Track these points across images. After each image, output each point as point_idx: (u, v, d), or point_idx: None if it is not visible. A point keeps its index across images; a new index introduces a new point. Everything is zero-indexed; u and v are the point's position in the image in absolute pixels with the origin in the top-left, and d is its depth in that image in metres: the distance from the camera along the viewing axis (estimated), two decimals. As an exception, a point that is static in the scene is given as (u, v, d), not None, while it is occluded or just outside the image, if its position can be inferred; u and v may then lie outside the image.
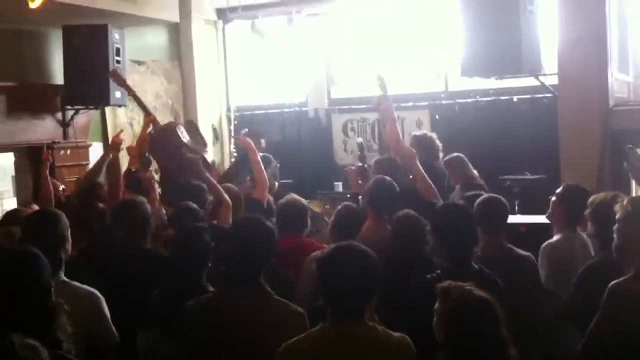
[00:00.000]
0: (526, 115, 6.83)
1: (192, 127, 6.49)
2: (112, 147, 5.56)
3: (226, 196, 4.59)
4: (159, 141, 5.59)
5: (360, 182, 5.00)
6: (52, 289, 2.28)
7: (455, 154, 5.70)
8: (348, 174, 5.35)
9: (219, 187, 4.69)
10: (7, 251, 2.54)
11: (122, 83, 6.21)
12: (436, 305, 2.45)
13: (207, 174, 4.87)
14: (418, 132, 5.86)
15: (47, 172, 5.42)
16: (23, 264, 2.27)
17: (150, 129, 5.83)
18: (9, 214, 4.56)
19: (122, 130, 6.11)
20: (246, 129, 7.28)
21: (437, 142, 5.52)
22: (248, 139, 5.31)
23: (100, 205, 4.47)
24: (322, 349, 2.43)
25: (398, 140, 4.96)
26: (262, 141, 6.31)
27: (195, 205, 4.26)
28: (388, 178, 4.38)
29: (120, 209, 4.05)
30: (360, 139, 6.19)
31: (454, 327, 2.35)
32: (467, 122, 7.11)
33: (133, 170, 5.55)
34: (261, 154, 6.42)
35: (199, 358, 2.88)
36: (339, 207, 4.31)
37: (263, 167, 5.07)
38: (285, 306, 2.84)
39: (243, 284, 2.86)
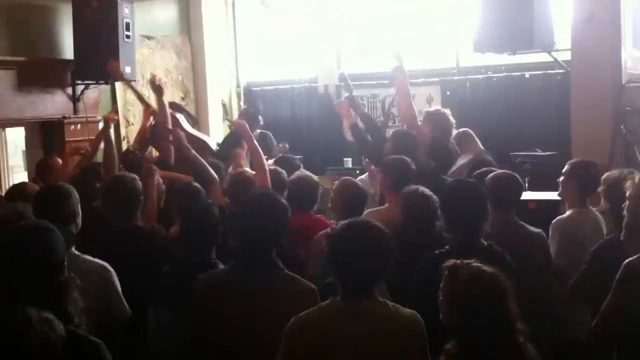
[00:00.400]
0: (538, 91, 6.77)
1: (176, 108, 6.42)
2: (105, 125, 5.60)
3: (214, 173, 4.60)
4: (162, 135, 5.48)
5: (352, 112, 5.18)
6: (65, 263, 2.31)
7: (462, 129, 5.66)
8: (339, 107, 5.49)
9: (206, 164, 4.69)
10: (23, 226, 2.57)
11: (120, 77, 6.20)
12: (442, 284, 2.43)
13: (193, 152, 4.83)
14: (431, 109, 5.70)
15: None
16: (38, 239, 2.29)
17: (150, 120, 5.81)
18: (16, 187, 4.55)
19: (116, 107, 6.07)
20: (243, 107, 7.29)
21: (451, 118, 5.34)
22: (244, 122, 5.13)
23: (99, 185, 4.40)
24: (332, 323, 2.43)
25: (414, 116, 4.97)
26: (260, 118, 6.33)
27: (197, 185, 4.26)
28: (406, 159, 4.32)
29: (109, 184, 3.96)
30: (341, 71, 6.12)
31: (464, 305, 2.33)
32: (479, 99, 7.06)
33: (131, 150, 5.57)
34: (259, 131, 6.46)
35: (209, 333, 2.89)
36: (340, 184, 4.21)
37: (260, 151, 4.78)
38: (296, 281, 2.85)
39: (255, 260, 2.86)
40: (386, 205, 4.29)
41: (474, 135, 5.65)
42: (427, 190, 3.72)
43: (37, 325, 1.74)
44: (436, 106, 6.79)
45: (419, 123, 5.20)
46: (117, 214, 3.70)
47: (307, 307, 2.55)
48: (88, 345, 2.17)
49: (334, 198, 4.11)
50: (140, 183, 3.88)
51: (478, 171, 4.22)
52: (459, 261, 2.44)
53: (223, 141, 5.97)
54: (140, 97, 6.14)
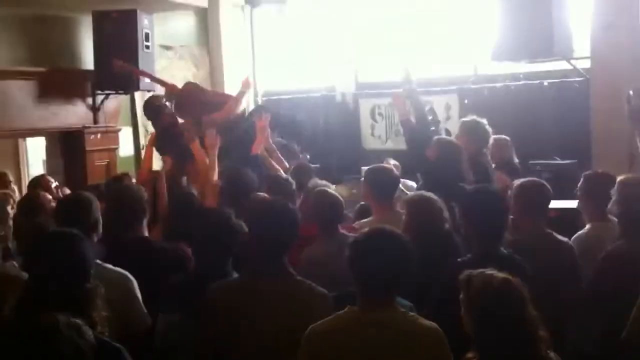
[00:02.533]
0: (556, 99, 6.73)
1: None
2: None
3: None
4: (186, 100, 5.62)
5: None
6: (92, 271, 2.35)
7: (499, 137, 5.61)
8: (395, 98, 5.08)
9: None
10: (54, 233, 2.60)
11: (128, 68, 6.27)
12: (461, 296, 2.43)
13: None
14: (467, 118, 5.35)
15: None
16: (69, 245, 2.34)
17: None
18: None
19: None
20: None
21: (487, 128, 5.09)
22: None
23: None
24: (350, 331, 2.42)
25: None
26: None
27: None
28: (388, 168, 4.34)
29: (113, 196, 3.94)
30: (405, 63, 5.77)
31: (478, 312, 2.32)
32: (497, 107, 7.03)
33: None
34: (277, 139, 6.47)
35: (222, 341, 2.89)
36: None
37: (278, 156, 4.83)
38: (309, 287, 2.84)
39: (267, 267, 2.87)
40: (372, 217, 4.17)
41: (510, 144, 5.61)
42: (431, 194, 3.70)
43: (66, 331, 1.76)
44: (455, 115, 6.80)
45: None
46: (122, 224, 3.66)
47: (320, 313, 2.55)
48: (112, 350, 2.19)
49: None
50: (144, 193, 3.83)
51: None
52: (474, 272, 2.43)
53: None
54: (157, 80, 6.22)
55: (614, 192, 3.65)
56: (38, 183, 5.23)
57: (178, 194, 4.50)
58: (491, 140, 5.14)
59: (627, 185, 3.61)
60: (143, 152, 7.47)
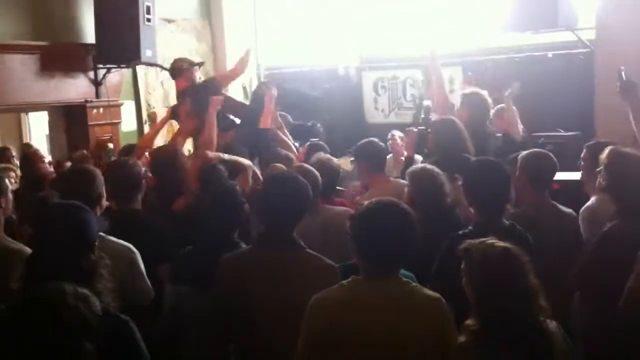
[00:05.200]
0: (560, 71, 6.69)
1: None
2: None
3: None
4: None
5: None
6: (97, 243, 2.37)
7: (501, 106, 5.58)
8: (409, 135, 5.33)
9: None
10: (58, 205, 2.62)
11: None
12: (462, 266, 2.44)
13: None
14: (467, 90, 5.44)
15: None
16: (73, 217, 2.36)
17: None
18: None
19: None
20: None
21: (489, 100, 5.14)
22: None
23: None
24: (353, 301, 2.44)
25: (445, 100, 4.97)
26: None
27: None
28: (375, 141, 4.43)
29: (107, 170, 3.93)
30: (427, 102, 6.00)
31: (479, 280, 2.34)
32: (500, 79, 6.99)
33: None
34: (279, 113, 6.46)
35: (232, 312, 2.91)
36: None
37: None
38: (317, 259, 2.86)
39: (277, 239, 2.88)
40: (369, 191, 4.21)
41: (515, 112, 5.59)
42: (433, 167, 3.71)
43: (73, 301, 1.78)
44: (458, 88, 6.76)
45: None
46: (117, 197, 3.68)
47: (328, 285, 2.56)
48: (118, 321, 2.22)
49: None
50: (137, 168, 3.84)
51: (511, 156, 4.18)
52: (474, 241, 2.44)
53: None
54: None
55: (602, 166, 3.51)
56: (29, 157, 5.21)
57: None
58: (493, 111, 5.13)
59: (618, 162, 3.42)
60: (147, 126, 7.48)
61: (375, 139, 4.51)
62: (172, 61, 6.09)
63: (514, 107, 5.54)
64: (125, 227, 3.36)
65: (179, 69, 5.90)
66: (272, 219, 2.92)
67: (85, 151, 5.71)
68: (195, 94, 5.57)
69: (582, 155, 4.10)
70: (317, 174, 3.80)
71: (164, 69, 6.25)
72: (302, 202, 2.92)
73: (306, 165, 3.96)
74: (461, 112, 4.96)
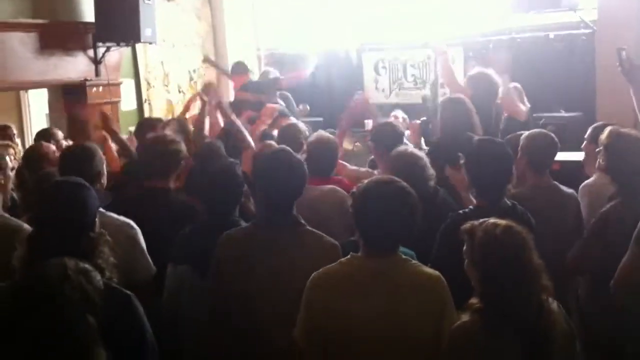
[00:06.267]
0: (562, 51, 6.67)
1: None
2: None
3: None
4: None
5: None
6: (97, 219, 2.37)
7: (512, 86, 5.55)
8: (412, 127, 5.29)
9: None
10: (58, 181, 2.62)
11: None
12: (464, 248, 2.44)
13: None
14: (473, 71, 5.31)
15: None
16: (73, 193, 2.36)
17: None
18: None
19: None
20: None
21: (495, 79, 5.04)
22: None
23: None
24: (352, 278, 2.44)
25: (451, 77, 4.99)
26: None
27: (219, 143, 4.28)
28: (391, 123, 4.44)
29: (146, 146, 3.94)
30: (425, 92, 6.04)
31: (481, 259, 2.33)
32: (502, 60, 6.97)
33: None
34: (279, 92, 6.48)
35: (232, 290, 2.90)
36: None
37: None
38: (318, 237, 2.85)
39: (277, 216, 2.87)
40: (377, 170, 4.26)
41: (522, 92, 5.57)
42: (415, 150, 3.69)
43: (74, 276, 1.78)
44: (459, 68, 6.73)
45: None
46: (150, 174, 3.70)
47: (330, 262, 2.56)
48: (121, 296, 2.22)
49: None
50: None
51: (509, 136, 4.17)
52: (476, 221, 2.44)
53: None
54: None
55: (601, 145, 3.52)
56: (44, 136, 5.22)
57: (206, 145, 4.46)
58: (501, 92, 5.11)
59: (617, 142, 3.43)
60: (147, 105, 7.46)
61: (392, 122, 4.48)
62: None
63: (519, 86, 5.53)
64: (154, 204, 3.41)
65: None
66: (269, 196, 2.90)
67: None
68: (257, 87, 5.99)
69: (586, 136, 4.09)
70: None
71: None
72: (297, 178, 2.91)
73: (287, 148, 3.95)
74: (467, 92, 4.92)
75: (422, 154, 3.65)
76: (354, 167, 4.46)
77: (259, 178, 2.99)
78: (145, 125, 5.18)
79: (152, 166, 3.68)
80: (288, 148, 3.08)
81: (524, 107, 5.50)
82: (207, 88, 5.02)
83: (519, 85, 5.75)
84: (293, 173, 2.89)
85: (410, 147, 3.76)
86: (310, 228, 2.88)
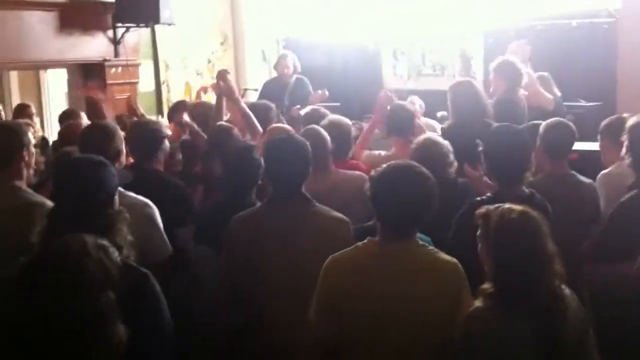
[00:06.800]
0: (584, 40, 6.59)
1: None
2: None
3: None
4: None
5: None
6: (116, 197, 2.39)
7: (539, 74, 5.49)
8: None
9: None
10: (77, 158, 2.64)
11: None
12: (478, 232, 2.43)
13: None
14: (498, 59, 5.15)
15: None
16: (91, 170, 2.37)
17: None
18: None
19: None
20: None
21: (521, 68, 4.98)
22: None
23: None
24: (369, 262, 2.44)
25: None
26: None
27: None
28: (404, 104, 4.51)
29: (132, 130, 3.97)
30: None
31: (495, 244, 2.33)
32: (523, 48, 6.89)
33: None
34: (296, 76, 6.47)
35: (245, 269, 2.94)
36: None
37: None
38: (328, 213, 2.91)
39: (287, 195, 2.93)
40: (392, 150, 4.28)
41: (549, 80, 5.48)
42: (437, 137, 3.68)
43: (94, 252, 1.79)
44: (479, 56, 6.67)
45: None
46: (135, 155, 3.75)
47: (340, 239, 2.61)
48: (139, 274, 2.24)
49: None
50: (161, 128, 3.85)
51: (531, 122, 4.14)
52: (491, 206, 2.43)
53: None
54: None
55: (624, 136, 3.52)
56: (71, 116, 5.26)
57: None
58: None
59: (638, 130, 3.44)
60: (165, 87, 7.48)
61: (405, 103, 4.56)
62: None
63: (546, 74, 5.45)
64: (143, 185, 3.36)
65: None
66: (276, 180, 2.97)
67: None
68: None
69: (600, 128, 4.06)
70: (326, 135, 3.79)
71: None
72: (301, 160, 2.96)
73: (315, 127, 3.94)
74: (492, 79, 4.90)
75: (445, 141, 3.65)
76: (374, 152, 4.45)
77: (265, 161, 3.07)
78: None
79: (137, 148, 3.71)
80: (292, 132, 3.12)
81: (549, 95, 5.42)
82: (221, 74, 5.01)
83: (545, 74, 5.67)
84: (296, 155, 2.94)
85: (434, 135, 3.74)
86: (319, 205, 2.93)
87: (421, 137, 3.73)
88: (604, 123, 4.09)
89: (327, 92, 6.82)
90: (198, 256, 3.46)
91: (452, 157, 3.59)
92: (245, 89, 7.91)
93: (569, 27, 6.66)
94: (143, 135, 3.73)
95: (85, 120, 5.24)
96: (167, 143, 3.80)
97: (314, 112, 4.78)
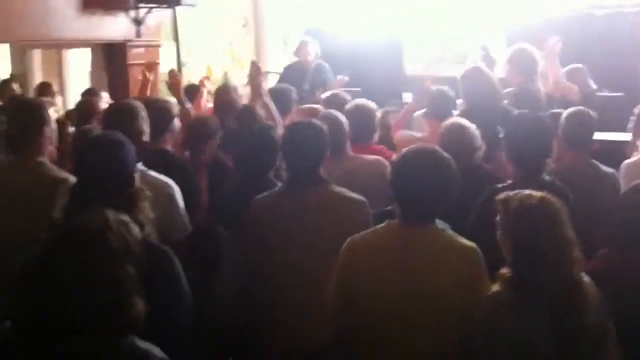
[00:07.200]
0: (608, 30, 6.50)
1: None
2: None
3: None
4: None
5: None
6: (137, 175, 2.40)
7: (571, 67, 5.43)
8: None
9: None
10: (97, 136, 2.65)
11: None
12: (498, 218, 2.43)
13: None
14: (513, 47, 5.13)
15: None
16: (111, 148, 2.38)
17: None
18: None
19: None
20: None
21: (536, 56, 4.90)
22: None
23: None
24: (387, 245, 2.45)
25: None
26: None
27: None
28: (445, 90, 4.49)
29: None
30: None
31: (514, 229, 2.34)
32: (544, 38, 6.81)
33: None
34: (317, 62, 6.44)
35: (263, 251, 2.97)
36: None
37: None
38: (346, 194, 2.94)
39: (305, 177, 2.97)
40: (426, 132, 4.31)
41: (579, 71, 5.42)
42: (466, 121, 3.67)
43: (116, 227, 1.81)
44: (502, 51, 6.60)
45: None
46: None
47: (358, 218, 2.67)
48: (159, 250, 2.26)
49: None
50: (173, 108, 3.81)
51: (553, 110, 4.11)
52: (511, 192, 2.43)
53: None
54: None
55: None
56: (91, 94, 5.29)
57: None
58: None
59: None
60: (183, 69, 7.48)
61: (446, 89, 4.52)
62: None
63: (579, 66, 5.38)
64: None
65: None
66: (293, 163, 3.02)
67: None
68: None
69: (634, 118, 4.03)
70: (343, 120, 3.79)
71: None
72: (317, 144, 2.99)
73: (333, 112, 3.93)
74: (507, 68, 4.86)
75: (472, 125, 3.62)
76: (408, 132, 4.46)
77: (282, 145, 3.14)
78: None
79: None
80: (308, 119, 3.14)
81: (573, 86, 5.36)
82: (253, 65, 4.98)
83: (580, 66, 5.59)
84: (314, 139, 2.98)
85: (461, 119, 3.72)
86: (336, 186, 2.96)
87: (449, 121, 3.74)
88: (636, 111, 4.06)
89: (346, 78, 6.80)
90: (216, 236, 3.48)
91: (479, 142, 3.58)
92: (267, 72, 7.90)
93: (592, 17, 6.58)
94: (150, 115, 3.66)
95: (104, 99, 5.27)
96: (176, 123, 3.75)
97: (334, 97, 4.76)
